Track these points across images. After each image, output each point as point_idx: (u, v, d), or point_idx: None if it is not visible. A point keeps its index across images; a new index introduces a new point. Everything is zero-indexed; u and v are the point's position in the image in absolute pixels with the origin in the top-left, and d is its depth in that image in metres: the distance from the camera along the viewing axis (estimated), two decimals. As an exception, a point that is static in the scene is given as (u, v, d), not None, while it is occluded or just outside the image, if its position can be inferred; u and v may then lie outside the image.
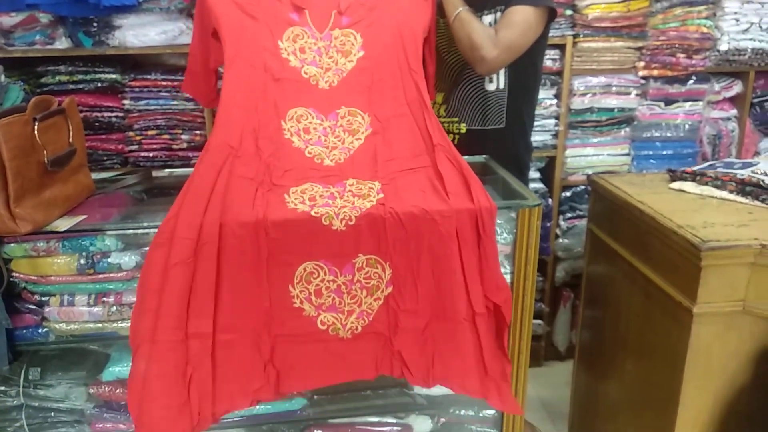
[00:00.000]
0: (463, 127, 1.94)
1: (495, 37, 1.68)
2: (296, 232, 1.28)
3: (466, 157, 1.68)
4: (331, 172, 1.49)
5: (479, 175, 1.46)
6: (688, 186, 1.84)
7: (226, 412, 1.31)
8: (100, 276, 1.41)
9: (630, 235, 1.81)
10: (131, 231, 1.39)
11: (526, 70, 1.87)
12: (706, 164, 1.97)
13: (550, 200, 2.66)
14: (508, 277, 1.47)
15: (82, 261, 1.39)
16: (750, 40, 2.53)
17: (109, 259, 1.40)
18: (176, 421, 1.24)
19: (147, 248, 1.30)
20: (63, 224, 1.34)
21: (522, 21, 1.71)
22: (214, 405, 1.28)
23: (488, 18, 1.80)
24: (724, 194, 1.76)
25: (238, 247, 1.26)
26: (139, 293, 1.25)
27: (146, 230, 1.37)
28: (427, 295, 1.36)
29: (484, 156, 1.86)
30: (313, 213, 1.31)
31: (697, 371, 1.56)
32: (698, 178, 1.84)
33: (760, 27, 2.51)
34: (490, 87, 1.88)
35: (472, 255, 1.34)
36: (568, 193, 2.73)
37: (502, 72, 1.86)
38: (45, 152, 1.32)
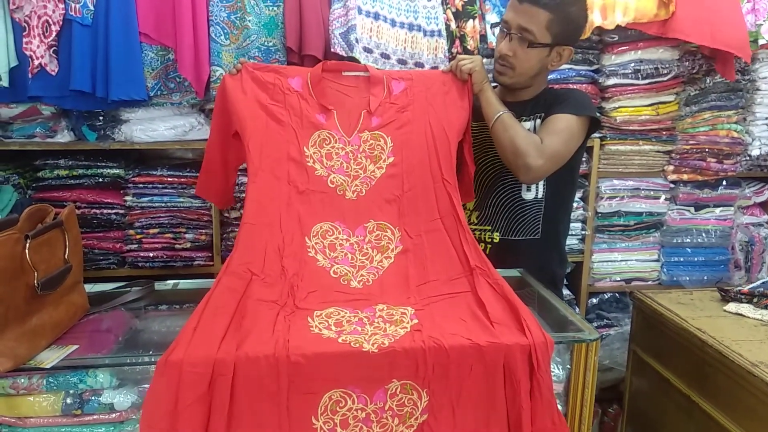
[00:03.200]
0: (497, 237, 1.78)
1: (540, 145, 1.56)
2: (321, 357, 1.12)
3: (499, 270, 1.54)
4: (358, 295, 1.37)
5: (515, 290, 1.33)
6: (746, 309, 1.68)
7: None
8: (88, 418, 1.20)
9: (685, 363, 1.63)
10: (129, 366, 1.19)
11: (564, 179, 1.75)
12: (759, 282, 1.82)
13: (577, 308, 2.48)
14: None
15: (69, 400, 1.19)
16: (781, 145, 2.44)
17: (101, 398, 1.20)
18: None
19: (146, 385, 1.13)
20: (49, 358, 1.14)
21: (566, 129, 1.61)
22: None
23: (527, 125, 1.69)
24: (789, 321, 1.59)
25: (256, 378, 1.10)
26: None
27: (147, 366, 1.17)
28: (465, 424, 1.19)
29: (519, 270, 1.70)
30: (340, 340, 1.16)
31: None
32: (755, 300, 1.68)
33: (792, 133, 2.43)
34: (528, 196, 1.74)
35: (522, 389, 1.18)
36: (595, 300, 2.55)
37: (541, 181, 1.73)
38: (36, 274, 1.14)
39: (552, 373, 1.30)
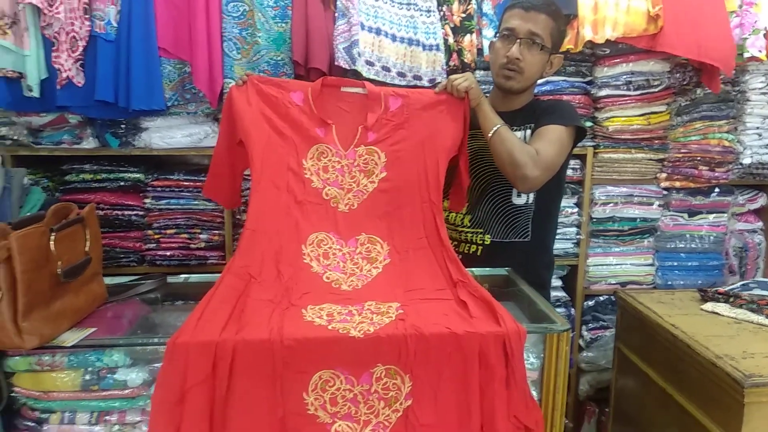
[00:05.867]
0: (488, 239, 1.89)
1: (536, 156, 1.65)
2: (312, 341, 1.24)
3: (488, 269, 1.63)
4: (349, 296, 1.47)
5: (502, 288, 1.42)
6: (722, 308, 1.76)
7: None
8: (104, 393, 1.33)
9: (662, 359, 1.72)
10: (140, 347, 1.33)
11: (552, 186, 1.83)
12: (739, 284, 1.90)
13: (572, 310, 2.57)
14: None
15: (87, 377, 1.32)
16: (773, 154, 2.51)
17: (116, 375, 1.33)
18: None
19: (157, 364, 1.26)
20: (70, 338, 1.28)
21: (557, 139, 1.71)
22: None
23: (518, 134, 1.79)
24: (761, 319, 1.68)
25: (252, 360, 1.21)
26: (158, 407, 1.19)
27: (156, 346, 1.31)
28: (447, 410, 1.28)
29: (506, 269, 1.80)
30: (330, 327, 1.27)
31: None
32: (732, 300, 1.77)
33: (783, 142, 2.50)
34: (518, 201, 1.85)
35: (496, 376, 1.28)
36: (590, 303, 2.63)
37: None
38: (59, 263, 1.28)
39: (528, 362, 1.41)
